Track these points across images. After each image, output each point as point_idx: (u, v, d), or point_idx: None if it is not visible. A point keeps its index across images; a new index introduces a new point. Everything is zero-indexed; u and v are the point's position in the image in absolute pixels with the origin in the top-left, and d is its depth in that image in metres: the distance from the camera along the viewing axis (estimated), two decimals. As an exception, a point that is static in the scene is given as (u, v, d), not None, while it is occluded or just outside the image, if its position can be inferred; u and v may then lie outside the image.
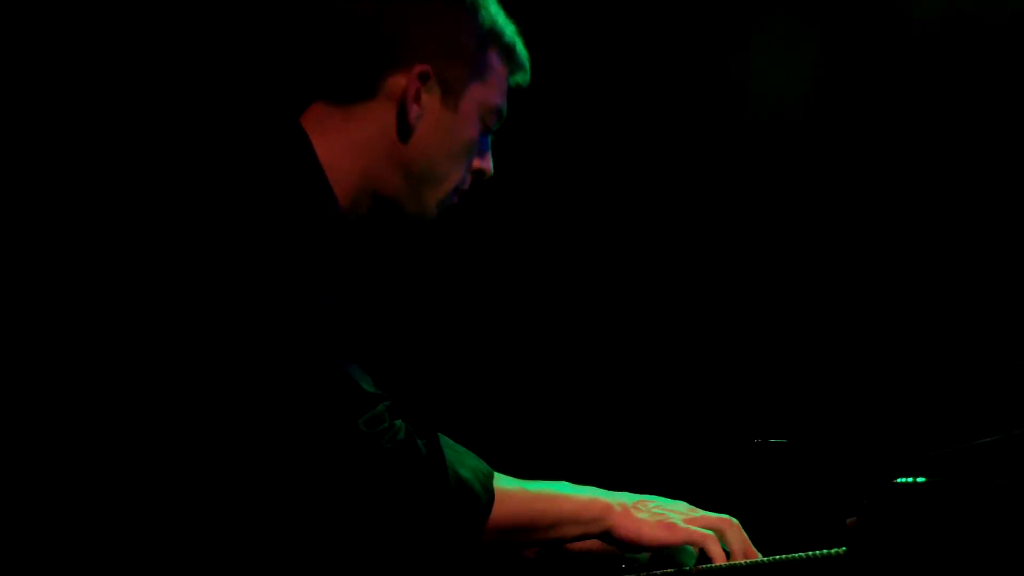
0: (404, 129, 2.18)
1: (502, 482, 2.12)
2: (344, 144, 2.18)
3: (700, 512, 2.23)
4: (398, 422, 2.01)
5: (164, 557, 1.99)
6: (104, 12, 2.90)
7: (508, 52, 2.26)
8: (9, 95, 2.84)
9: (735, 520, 2.22)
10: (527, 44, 2.31)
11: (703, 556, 2.19)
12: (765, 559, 2.10)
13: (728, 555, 2.18)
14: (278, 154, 2.13)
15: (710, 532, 2.18)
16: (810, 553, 1.88)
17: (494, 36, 2.24)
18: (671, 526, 2.18)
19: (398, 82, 2.17)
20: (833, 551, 1.83)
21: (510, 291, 3.49)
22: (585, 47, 3.42)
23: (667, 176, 3.53)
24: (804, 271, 3.44)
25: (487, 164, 2.30)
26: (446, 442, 2.08)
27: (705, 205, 3.52)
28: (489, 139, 2.30)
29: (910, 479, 1.61)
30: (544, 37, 2.39)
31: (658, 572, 2.23)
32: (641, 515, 2.19)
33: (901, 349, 3.27)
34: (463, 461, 2.08)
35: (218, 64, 2.96)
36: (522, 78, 2.30)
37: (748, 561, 2.15)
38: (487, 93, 2.24)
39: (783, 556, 1.97)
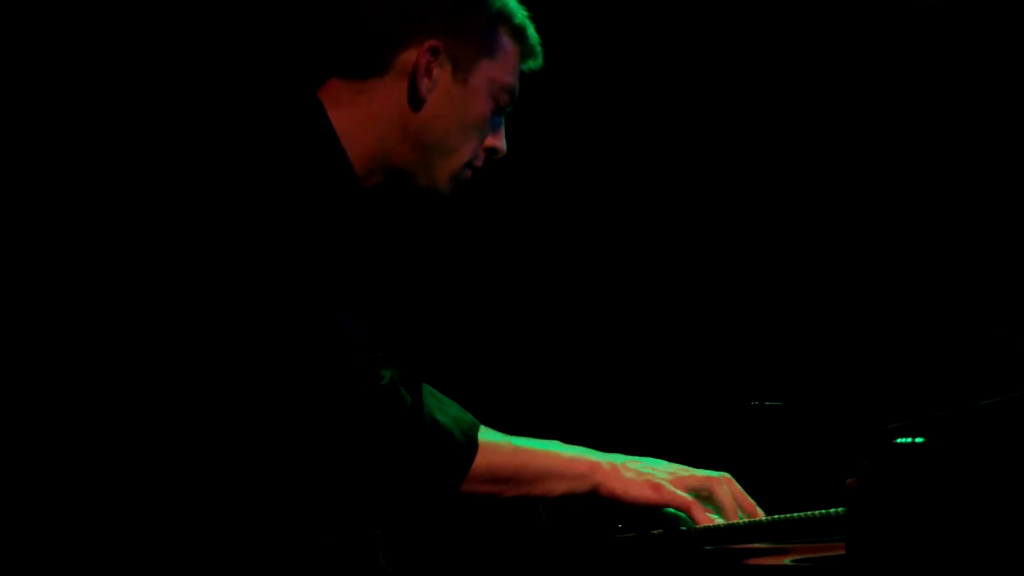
0: (415, 101, 2.25)
1: (487, 434, 2.16)
2: (358, 117, 2.24)
3: (691, 471, 2.24)
4: (386, 371, 2.05)
5: (157, 491, 2.05)
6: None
7: (518, 34, 2.33)
8: (25, 79, 2.90)
9: (727, 475, 2.23)
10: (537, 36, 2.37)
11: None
12: (764, 519, 2.11)
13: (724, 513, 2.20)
14: (295, 121, 2.19)
15: (694, 496, 2.19)
16: (809, 513, 1.89)
17: (504, 17, 2.31)
18: (657, 486, 2.20)
19: (409, 57, 2.25)
20: (832, 511, 1.83)
21: (512, 261, 3.50)
22: (582, 39, 3.43)
23: (675, 146, 3.53)
24: (806, 232, 3.44)
25: (500, 142, 2.36)
26: (430, 391, 2.12)
27: (696, 177, 3.53)
28: (502, 119, 2.35)
29: (909, 440, 1.61)
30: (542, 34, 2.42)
31: (655, 531, 2.23)
32: (628, 474, 2.20)
33: (901, 310, 3.27)
34: (444, 410, 2.12)
35: (239, 41, 3.03)
36: (534, 63, 2.37)
37: (746, 521, 2.16)
38: (498, 70, 2.30)
39: (782, 516, 1.97)
